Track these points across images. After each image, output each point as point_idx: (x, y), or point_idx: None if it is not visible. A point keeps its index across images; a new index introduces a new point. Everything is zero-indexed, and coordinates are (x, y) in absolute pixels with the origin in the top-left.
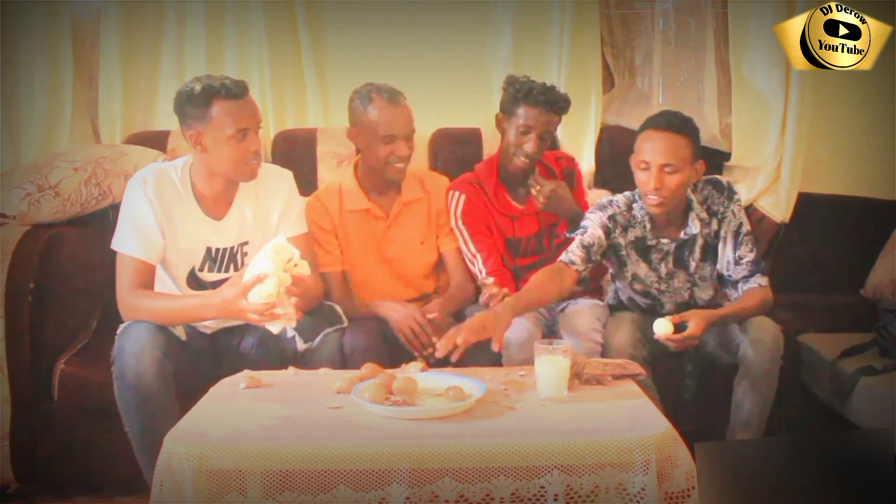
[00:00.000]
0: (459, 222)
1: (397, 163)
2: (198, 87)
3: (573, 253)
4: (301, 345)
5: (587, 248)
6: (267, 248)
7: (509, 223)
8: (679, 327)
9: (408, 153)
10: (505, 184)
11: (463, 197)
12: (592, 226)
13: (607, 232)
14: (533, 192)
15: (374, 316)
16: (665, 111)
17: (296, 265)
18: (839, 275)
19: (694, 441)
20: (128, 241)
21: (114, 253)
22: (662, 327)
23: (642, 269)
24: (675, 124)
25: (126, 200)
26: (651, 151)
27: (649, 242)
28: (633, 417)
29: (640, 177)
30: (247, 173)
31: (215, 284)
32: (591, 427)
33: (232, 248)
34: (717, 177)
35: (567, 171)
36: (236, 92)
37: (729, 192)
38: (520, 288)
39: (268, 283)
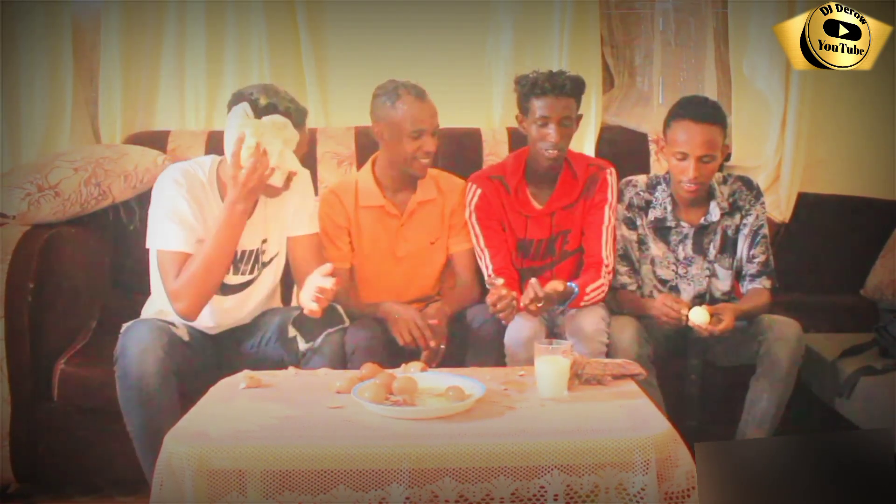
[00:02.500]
0: (473, 216)
1: (423, 158)
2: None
3: (621, 275)
4: (303, 345)
5: (627, 259)
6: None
7: (523, 223)
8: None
9: (433, 149)
10: (529, 181)
11: (479, 191)
12: (619, 228)
13: (632, 223)
14: (530, 296)
15: (375, 316)
16: (696, 98)
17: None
18: (839, 275)
19: (698, 438)
20: (171, 237)
21: (115, 253)
22: (701, 316)
23: (660, 250)
24: (712, 115)
25: (161, 198)
26: (690, 143)
27: (669, 224)
28: (633, 417)
29: (677, 165)
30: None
31: (239, 287)
32: (591, 427)
33: (256, 249)
34: (748, 176)
35: (592, 178)
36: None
37: (757, 193)
38: (524, 289)
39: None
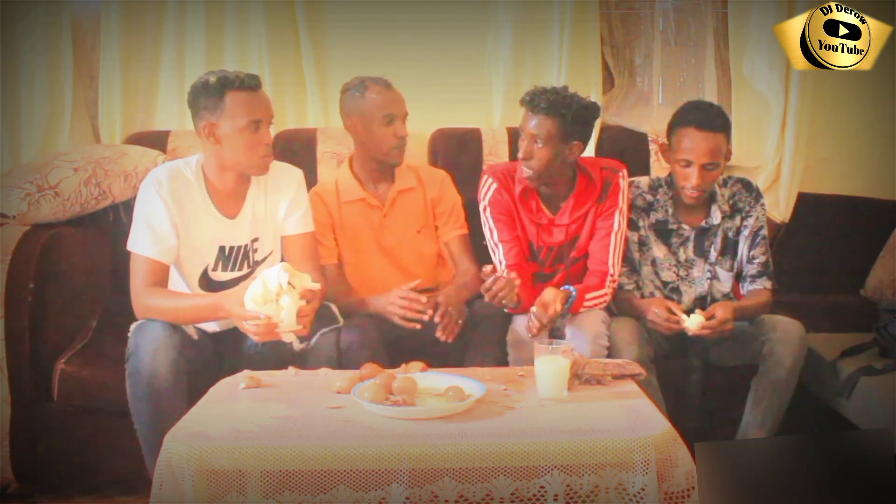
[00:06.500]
0: (487, 211)
1: (397, 144)
2: (213, 79)
3: (622, 276)
4: (297, 345)
5: (626, 259)
6: (265, 274)
7: (534, 229)
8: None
9: (406, 133)
10: (539, 191)
11: (495, 185)
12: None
13: (633, 224)
14: (532, 323)
15: (366, 312)
16: (701, 104)
17: (289, 284)
18: (839, 275)
19: (698, 438)
20: (142, 242)
21: (114, 253)
22: (695, 321)
23: (661, 252)
24: (717, 123)
25: (140, 201)
26: (695, 151)
27: (670, 226)
28: (632, 417)
29: (681, 172)
30: (259, 166)
31: (227, 284)
32: (591, 427)
33: (245, 245)
34: (748, 178)
35: (606, 182)
36: (250, 84)
37: (757, 194)
38: (536, 287)
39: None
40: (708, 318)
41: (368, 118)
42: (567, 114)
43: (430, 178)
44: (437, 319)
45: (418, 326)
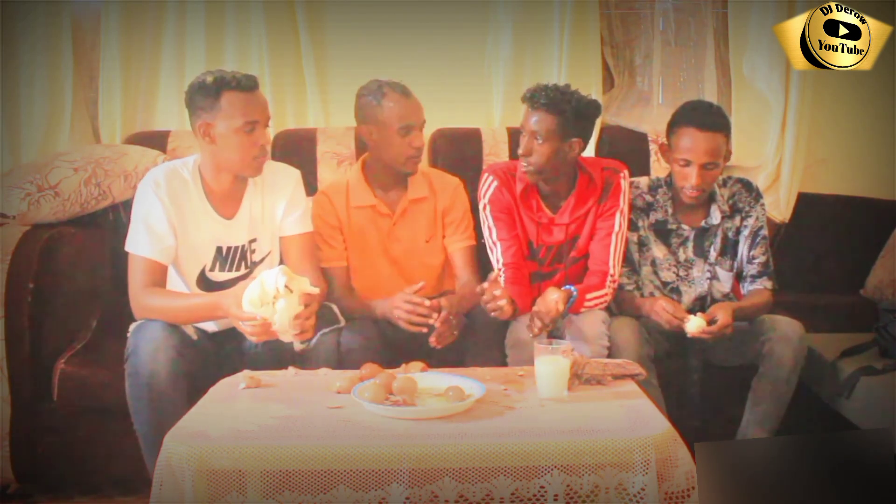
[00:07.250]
0: (487, 209)
1: (413, 154)
2: (209, 79)
3: (622, 277)
4: (298, 345)
5: (626, 259)
6: (262, 276)
7: (535, 228)
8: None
9: (422, 144)
10: (540, 190)
11: (495, 183)
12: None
13: (633, 225)
14: (534, 323)
15: (372, 315)
16: (701, 104)
17: (286, 288)
18: (839, 275)
19: (698, 438)
20: (141, 243)
21: (114, 253)
22: (697, 325)
23: (661, 252)
24: (717, 123)
25: (138, 202)
26: (694, 151)
27: (670, 226)
28: (632, 417)
29: (680, 172)
30: (253, 167)
31: (225, 284)
32: (591, 427)
33: (242, 245)
34: (748, 178)
35: (607, 183)
36: (247, 85)
37: (756, 194)
38: (535, 286)
39: (263, 310)
40: (709, 322)
41: (385, 128)
42: (567, 110)
43: (442, 186)
44: (437, 325)
45: (424, 330)
